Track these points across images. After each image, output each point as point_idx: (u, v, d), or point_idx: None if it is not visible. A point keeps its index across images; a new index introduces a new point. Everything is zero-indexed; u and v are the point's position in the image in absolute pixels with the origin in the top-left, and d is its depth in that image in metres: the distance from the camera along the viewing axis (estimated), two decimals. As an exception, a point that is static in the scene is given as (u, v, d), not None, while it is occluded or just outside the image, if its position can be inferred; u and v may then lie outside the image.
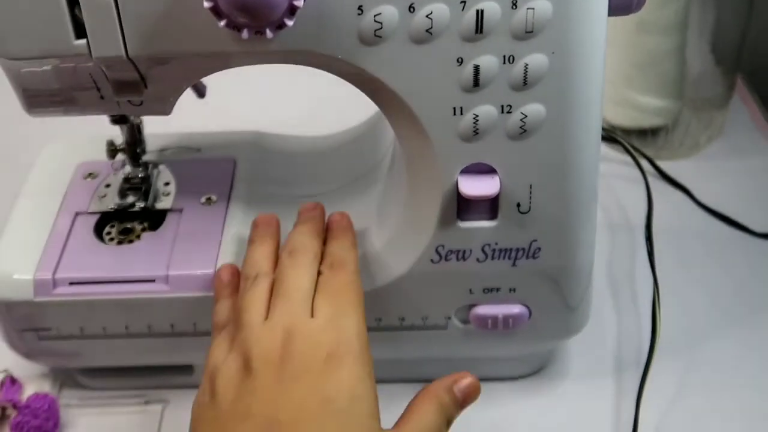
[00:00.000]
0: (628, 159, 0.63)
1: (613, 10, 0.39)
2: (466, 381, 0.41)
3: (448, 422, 0.40)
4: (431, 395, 0.40)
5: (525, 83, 0.39)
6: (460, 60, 0.38)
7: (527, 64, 0.38)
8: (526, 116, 0.39)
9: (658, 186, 0.63)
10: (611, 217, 0.62)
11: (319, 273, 0.42)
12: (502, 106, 0.39)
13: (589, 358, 0.52)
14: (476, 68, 0.38)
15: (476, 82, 0.39)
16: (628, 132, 0.67)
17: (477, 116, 0.39)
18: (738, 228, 0.61)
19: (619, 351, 0.53)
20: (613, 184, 0.64)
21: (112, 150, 0.51)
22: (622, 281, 0.58)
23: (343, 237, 0.44)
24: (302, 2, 0.35)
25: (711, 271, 0.58)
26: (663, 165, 0.65)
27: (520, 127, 0.40)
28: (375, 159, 0.51)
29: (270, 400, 0.37)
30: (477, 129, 0.40)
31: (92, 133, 0.53)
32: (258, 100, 0.73)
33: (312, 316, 0.40)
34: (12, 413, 0.49)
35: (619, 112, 0.67)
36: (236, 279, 0.45)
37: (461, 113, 0.39)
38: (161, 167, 0.52)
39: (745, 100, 0.73)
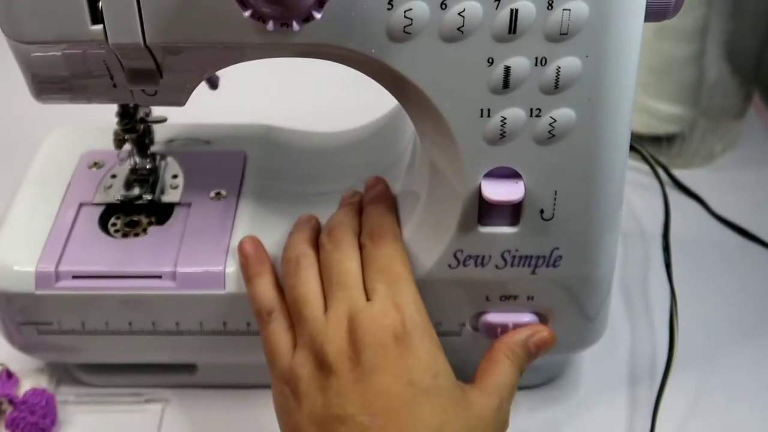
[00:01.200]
0: (642, 166, 0.62)
1: (650, 15, 0.37)
2: (541, 335, 0.43)
3: (521, 372, 0.42)
4: (506, 349, 0.42)
5: (556, 87, 0.37)
6: (490, 60, 0.37)
7: (560, 67, 0.37)
8: (555, 121, 0.38)
9: (671, 195, 0.62)
10: (623, 225, 0.61)
11: (362, 246, 0.42)
12: (531, 110, 0.38)
13: (603, 368, 0.51)
14: (507, 69, 0.37)
15: (506, 84, 0.37)
16: (641, 138, 0.66)
17: (505, 119, 0.38)
18: (753, 240, 0.60)
19: (632, 362, 0.52)
20: (625, 191, 0.63)
21: (120, 139, 0.49)
22: (634, 290, 0.57)
23: (378, 201, 0.44)
24: (332, -6, 0.34)
25: (726, 282, 0.57)
26: (677, 174, 0.64)
27: (549, 132, 0.38)
28: (393, 157, 0.49)
29: (360, 396, 0.37)
30: (504, 132, 0.39)
31: (98, 120, 0.51)
32: (270, 92, 0.71)
33: (367, 298, 0.40)
34: (8, 409, 0.47)
35: (633, 117, 0.66)
36: (262, 252, 0.44)
37: (489, 115, 0.38)
38: (169, 159, 0.51)
39: (760, 113, 0.72)
